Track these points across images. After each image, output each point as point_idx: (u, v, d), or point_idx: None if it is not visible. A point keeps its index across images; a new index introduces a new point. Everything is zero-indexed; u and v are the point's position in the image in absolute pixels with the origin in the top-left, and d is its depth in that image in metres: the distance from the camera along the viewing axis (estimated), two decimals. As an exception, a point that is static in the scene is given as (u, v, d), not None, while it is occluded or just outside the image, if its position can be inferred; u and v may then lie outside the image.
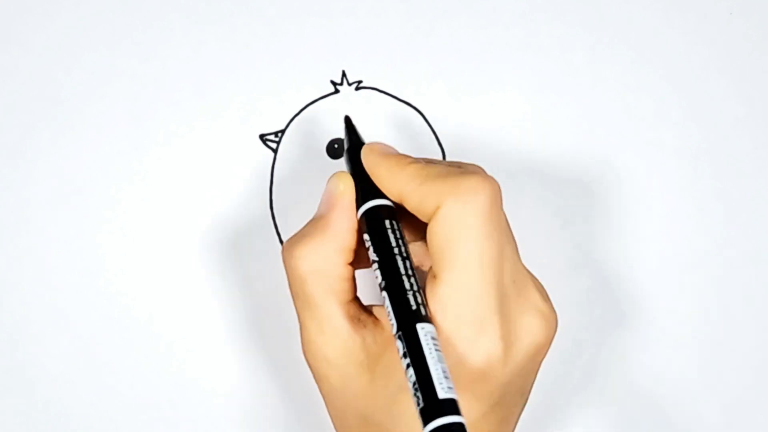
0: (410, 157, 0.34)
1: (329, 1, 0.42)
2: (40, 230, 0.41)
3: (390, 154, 0.34)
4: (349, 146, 0.36)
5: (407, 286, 0.31)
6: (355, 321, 0.33)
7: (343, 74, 0.42)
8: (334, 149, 0.41)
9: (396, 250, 0.32)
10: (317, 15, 0.42)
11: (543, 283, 0.34)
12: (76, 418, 0.40)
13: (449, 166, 0.33)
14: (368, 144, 0.35)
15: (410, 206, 0.32)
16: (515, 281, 0.32)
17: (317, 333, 0.33)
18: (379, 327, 0.33)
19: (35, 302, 0.41)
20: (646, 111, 0.42)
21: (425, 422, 0.28)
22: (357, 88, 0.42)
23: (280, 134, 0.41)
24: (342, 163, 0.41)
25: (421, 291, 0.31)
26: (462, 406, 0.28)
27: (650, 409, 0.41)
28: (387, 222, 0.32)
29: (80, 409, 0.40)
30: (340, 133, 0.42)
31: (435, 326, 0.30)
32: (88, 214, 0.41)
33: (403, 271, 0.31)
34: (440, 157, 0.42)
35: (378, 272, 0.32)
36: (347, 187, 0.33)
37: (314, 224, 0.33)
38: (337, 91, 0.42)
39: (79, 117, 0.41)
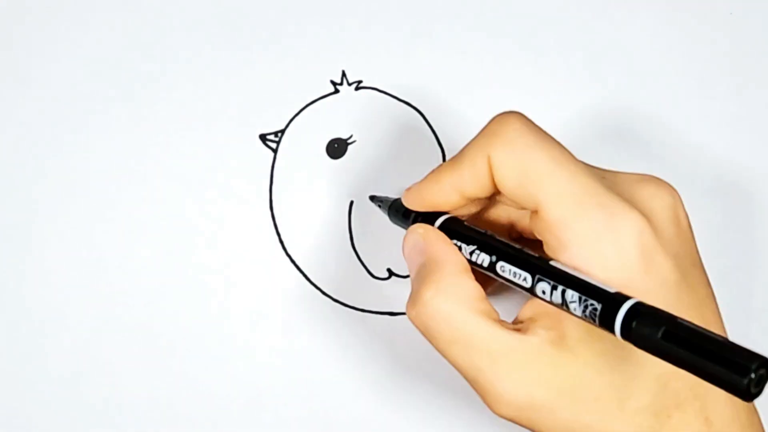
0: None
1: (329, 1, 0.42)
2: (40, 230, 0.41)
3: (422, 178, 0.34)
4: (389, 206, 0.37)
5: (518, 246, 0.31)
6: (519, 330, 0.30)
7: (343, 74, 0.42)
8: (334, 149, 0.41)
9: (487, 232, 0.32)
10: (317, 15, 0.42)
11: None
12: (77, 418, 0.40)
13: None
14: (404, 191, 0.35)
15: (467, 186, 0.32)
16: (605, 177, 0.31)
17: (498, 364, 0.30)
18: (535, 322, 0.31)
19: (35, 302, 0.41)
20: (645, 111, 0.42)
21: (610, 318, 0.26)
22: (357, 88, 0.42)
23: (280, 134, 0.41)
24: (343, 164, 0.41)
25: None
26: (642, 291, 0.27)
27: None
28: (463, 223, 0.33)
29: (81, 409, 0.40)
30: (340, 132, 0.42)
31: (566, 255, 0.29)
32: (88, 214, 0.41)
33: (506, 241, 0.31)
34: (440, 157, 0.42)
35: (482, 253, 0.31)
36: (425, 228, 0.33)
37: (424, 274, 0.32)
38: (337, 91, 0.42)
39: (79, 117, 0.41)
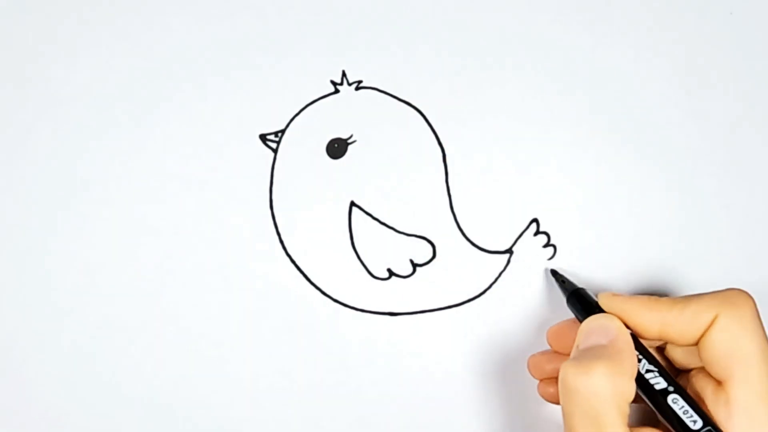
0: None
1: (329, 1, 0.42)
2: (41, 230, 0.41)
3: (631, 295, 0.37)
4: (570, 292, 0.39)
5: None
6: None
7: (343, 74, 0.42)
8: (334, 149, 0.41)
9: (660, 364, 0.35)
10: (317, 15, 0.42)
11: None
12: (77, 418, 0.40)
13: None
14: (605, 293, 0.38)
15: (675, 328, 0.35)
16: None
17: None
18: None
19: (35, 302, 0.41)
20: (646, 110, 0.42)
21: None
22: (357, 88, 0.42)
23: (280, 134, 0.41)
24: (343, 164, 0.41)
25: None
26: None
27: None
28: (642, 344, 0.36)
29: (81, 409, 0.40)
30: (340, 132, 0.42)
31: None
32: (89, 214, 0.41)
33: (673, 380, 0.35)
34: (440, 157, 0.42)
35: (660, 378, 0.34)
36: (621, 324, 0.36)
37: (601, 352, 0.35)
38: (337, 91, 0.42)
39: (79, 117, 0.41)
